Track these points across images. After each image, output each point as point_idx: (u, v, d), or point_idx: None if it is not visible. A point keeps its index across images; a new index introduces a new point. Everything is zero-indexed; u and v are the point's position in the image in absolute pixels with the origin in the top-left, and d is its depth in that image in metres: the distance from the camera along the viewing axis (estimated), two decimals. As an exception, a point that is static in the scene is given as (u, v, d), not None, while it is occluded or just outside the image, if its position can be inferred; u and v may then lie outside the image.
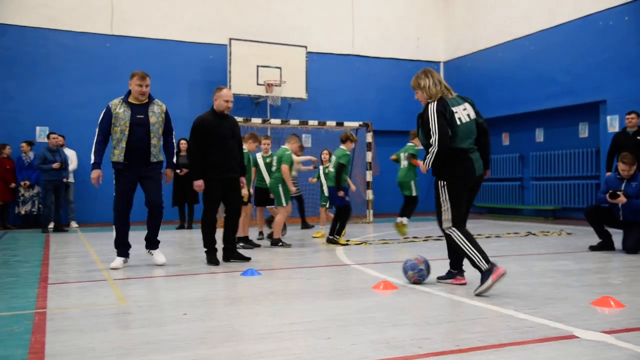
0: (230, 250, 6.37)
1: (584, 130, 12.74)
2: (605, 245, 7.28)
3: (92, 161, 5.82)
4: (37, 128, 12.28)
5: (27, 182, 11.36)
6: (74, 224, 11.80)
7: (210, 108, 6.32)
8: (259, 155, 8.62)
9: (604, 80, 11.64)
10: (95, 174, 5.79)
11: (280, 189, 7.82)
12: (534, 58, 13.31)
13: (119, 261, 5.91)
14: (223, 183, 6.19)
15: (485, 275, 4.31)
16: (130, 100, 5.85)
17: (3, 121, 11.97)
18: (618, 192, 6.96)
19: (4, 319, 3.68)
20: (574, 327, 3.36)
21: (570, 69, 12.39)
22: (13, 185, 11.32)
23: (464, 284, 4.78)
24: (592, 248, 7.34)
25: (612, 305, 3.90)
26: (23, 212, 11.48)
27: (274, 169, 8.05)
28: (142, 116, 5.79)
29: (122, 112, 5.78)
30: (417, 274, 4.85)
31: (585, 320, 3.56)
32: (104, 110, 5.87)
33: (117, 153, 5.79)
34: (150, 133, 5.82)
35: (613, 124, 11.46)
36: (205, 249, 6.27)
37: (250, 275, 5.33)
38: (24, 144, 11.53)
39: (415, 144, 9.10)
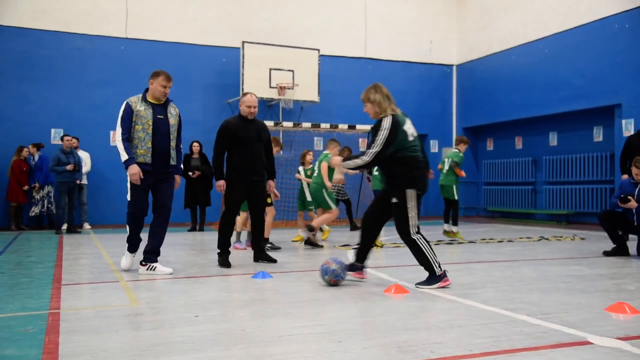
0: (258, 252, 6.52)
1: (598, 134, 12.63)
2: (620, 250, 7.19)
3: (125, 158, 5.43)
4: (52, 130, 12.41)
5: (37, 185, 11.46)
6: (87, 226, 11.89)
7: (238, 113, 6.51)
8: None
9: (619, 84, 11.53)
10: (135, 169, 5.40)
11: (325, 193, 8.04)
12: (548, 61, 13.22)
13: (129, 258, 5.80)
14: (246, 186, 6.30)
15: (436, 278, 4.79)
16: (149, 99, 5.62)
17: (19, 123, 12.11)
18: (629, 197, 6.89)
19: (19, 319, 3.71)
20: (588, 333, 3.32)
21: (585, 72, 12.29)
22: (26, 187, 11.42)
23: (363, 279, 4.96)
24: (606, 253, 7.25)
25: (627, 312, 3.85)
26: (33, 214, 11.58)
27: (315, 174, 8.18)
28: (162, 116, 5.59)
29: (143, 110, 5.52)
30: (333, 276, 4.91)
31: (599, 326, 3.52)
32: (123, 107, 5.56)
33: (142, 153, 5.49)
34: (170, 135, 5.62)
35: (628, 128, 11.34)
36: (219, 250, 6.30)
37: (261, 277, 5.34)
38: (30, 146, 11.60)
39: (459, 150, 9.32)
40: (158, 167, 5.57)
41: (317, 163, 8.27)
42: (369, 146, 4.81)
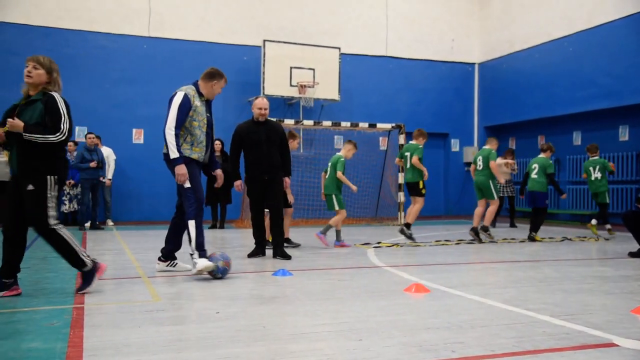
0: (275, 248, 6.74)
1: (624, 134, 12.40)
2: (646, 251, 7.07)
3: (175, 156, 5.09)
4: (77, 128, 12.59)
5: (72, 181, 11.64)
6: (110, 222, 12.03)
7: (252, 116, 6.81)
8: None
9: (645, 82, 11.31)
10: (183, 169, 5.12)
11: (491, 183, 8.93)
12: (572, 59, 13.02)
13: (206, 261, 5.20)
14: (257, 184, 6.65)
15: (91, 272, 4.45)
16: (203, 95, 5.39)
17: (44, 121, 12.29)
18: None
19: (44, 313, 3.78)
20: (614, 335, 3.27)
21: (610, 71, 12.07)
22: None
23: (20, 294, 4.37)
24: (632, 254, 7.13)
25: (654, 314, 3.78)
26: (66, 211, 11.75)
27: (480, 167, 9.06)
28: (209, 114, 5.46)
29: (200, 106, 5.28)
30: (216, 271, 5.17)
31: (625, 328, 3.46)
32: (181, 98, 5.15)
33: (198, 151, 5.29)
34: (212, 133, 5.52)
35: (655, 127, 11.12)
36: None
37: (282, 275, 5.36)
38: (70, 144, 11.77)
39: (597, 156, 9.94)
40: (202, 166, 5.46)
41: (479, 157, 9.05)
42: (52, 124, 4.36)
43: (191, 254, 5.24)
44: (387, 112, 14.71)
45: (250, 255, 6.74)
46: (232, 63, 13.68)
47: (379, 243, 8.30)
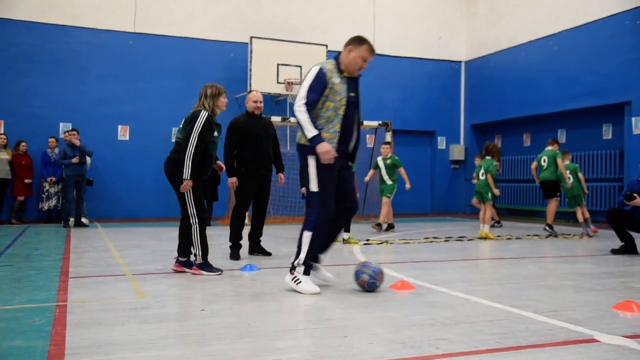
0: (254, 245, 6.70)
1: (607, 132, 12.54)
2: (628, 248, 7.15)
3: (312, 134, 4.27)
4: (61, 124, 12.47)
5: (53, 178, 11.51)
6: (85, 220, 11.42)
7: (245, 110, 6.62)
8: (379, 158, 9.99)
9: (629, 81, 11.43)
10: (327, 146, 4.26)
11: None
12: (557, 58, 13.13)
13: (312, 286, 4.41)
14: (255, 180, 6.42)
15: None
16: (344, 71, 4.49)
17: (28, 117, 12.17)
18: (634, 194, 6.85)
19: (26, 311, 3.74)
20: (595, 331, 3.30)
21: (595, 69, 12.19)
22: (27, 181, 11.45)
23: None
24: (614, 251, 7.21)
25: (635, 310, 3.82)
26: (47, 208, 11.63)
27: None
28: (354, 94, 4.52)
29: (338, 84, 4.40)
30: (369, 282, 4.44)
31: (607, 324, 3.50)
32: (315, 73, 4.36)
33: (328, 137, 4.36)
34: (358, 116, 4.59)
35: (638, 126, 11.25)
36: (230, 243, 6.44)
37: (249, 270, 5.45)
38: (51, 139, 11.69)
39: None
40: (342, 154, 4.52)
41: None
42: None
43: (293, 267, 4.45)
44: (374, 109, 14.70)
45: (234, 259, 6.30)
46: (219, 59, 13.62)
47: (368, 240, 8.32)
